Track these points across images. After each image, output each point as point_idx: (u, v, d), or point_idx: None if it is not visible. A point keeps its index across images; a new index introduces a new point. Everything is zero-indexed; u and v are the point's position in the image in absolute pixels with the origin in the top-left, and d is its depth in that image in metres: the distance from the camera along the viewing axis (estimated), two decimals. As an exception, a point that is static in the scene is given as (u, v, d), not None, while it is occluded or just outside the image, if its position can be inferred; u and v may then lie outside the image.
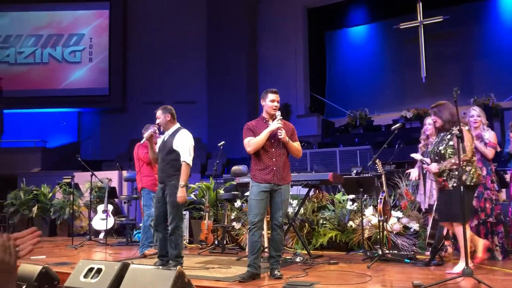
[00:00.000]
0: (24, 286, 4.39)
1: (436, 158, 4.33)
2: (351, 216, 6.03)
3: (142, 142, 5.33)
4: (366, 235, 5.69)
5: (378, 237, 5.40)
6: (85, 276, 4.00)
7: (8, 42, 16.48)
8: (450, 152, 4.24)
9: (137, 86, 16.33)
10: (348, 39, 16.92)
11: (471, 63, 14.48)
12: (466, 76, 14.35)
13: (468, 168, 4.18)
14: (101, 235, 8.26)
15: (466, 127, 4.28)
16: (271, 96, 4.36)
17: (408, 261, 4.88)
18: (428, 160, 4.50)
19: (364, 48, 16.34)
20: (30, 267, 4.58)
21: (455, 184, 4.14)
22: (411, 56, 14.81)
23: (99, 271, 3.99)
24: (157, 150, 5.05)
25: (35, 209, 9.33)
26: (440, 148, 4.31)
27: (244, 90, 15.47)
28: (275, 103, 4.35)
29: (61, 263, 5.27)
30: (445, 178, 4.23)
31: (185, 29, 16.14)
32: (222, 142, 6.48)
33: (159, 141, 5.08)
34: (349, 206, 6.10)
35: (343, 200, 6.27)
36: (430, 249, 4.83)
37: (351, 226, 5.94)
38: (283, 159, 4.32)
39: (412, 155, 4.95)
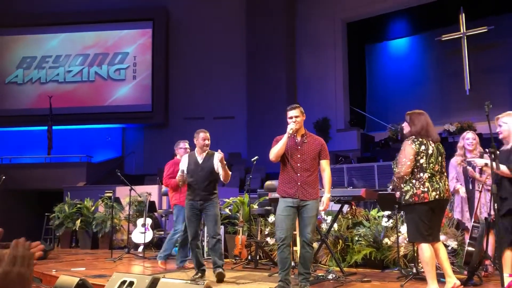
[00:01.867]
0: (62, 297, 4.56)
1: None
2: (387, 233, 5.90)
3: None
4: (401, 253, 5.55)
5: (414, 254, 5.26)
6: (118, 288, 4.10)
7: (58, 62, 17.31)
8: (394, 167, 4.10)
9: (179, 102, 16.71)
10: (388, 52, 16.70)
11: (518, 74, 13.95)
12: (511, 88, 13.83)
13: (402, 186, 3.97)
14: (140, 248, 8.43)
15: (409, 141, 3.93)
16: (289, 114, 4.47)
17: (444, 280, 4.71)
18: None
19: (405, 61, 16.06)
20: (68, 279, 4.74)
21: (403, 203, 3.99)
22: (454, 68, 14.43)
23: (131, 284, 4.09)
24: (183, 169, 5.32)
25: (78, 222, 9.66)
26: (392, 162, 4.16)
27: (284, 104, 15.36)
28: (293, 119, 4.42)
29: (99, 276, 5.42)
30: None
31: (226, 45, 16.44)
32: (256, 157, 6.50)
33: (185, 162, 5.35)
34: (385, 222, 5.97)
35: (379, 217, 6.15)
36: (468, 268, 4.65)
37: (387, 243, 5.81)
38: (309, 174, 4.32)
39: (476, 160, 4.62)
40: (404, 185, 3.94)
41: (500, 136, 4.33)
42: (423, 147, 3.94)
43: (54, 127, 15.63)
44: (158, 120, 16.91)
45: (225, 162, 5.15)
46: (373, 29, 16.25)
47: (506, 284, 4.06)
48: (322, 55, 15.94)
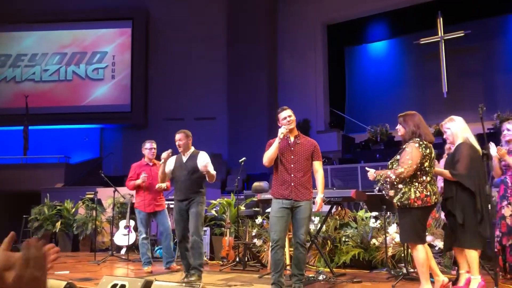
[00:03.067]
0: (49, 302, 4.44)
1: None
2: (374, 233, 5.96)
3: (161, 162, 5.40)
4: (389, 253, 5.62)
5: (403, 255, 5.33)
6: (109, 292, 4.02)
7: (34, 61, 16.93)
8: (393, 167, 4.03)
9: (158, 103, 16.55)
10: (367, 55, 16.91)
11: (494, 77, 14.31)
12: (488, 91, 14.18)
13: (400, 186, 3.92)
14: (123, 251, 8.30)
15: (416, 145, 3.92)
16: (283, 114, 4.47)
17: (433, 280, 4.77)
18: None
19: (384, 64, 16.30)
20: (54, 283, 4.63)
21: (399, 204, 3.95)
22: (432, 71, 14.71)
23: (122, 287, 4.02)
24: (166, 170, 5.39)
25: (58, 224, 9.44)
26: (389, 161, 4.14)
27: (264, 106, 15.53)
28: (287, 119, 4.43)
29: (85, 279, 5.31)
30: (376, 187, 4.19)
31: (206, 45, 16.36)
32: (243, 159, 6.49)
33: (171, 162, 5.38)
34: (372, 223, 6.03)
35: (366, 218, 6.20)
36: (456, 267, 4.72)
37: (374, 244, 5.87)
38: (302, 175, 4.33)
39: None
40: (403, 186, 3.91)
41: (448, 141, 4.49)
42: (428, 151, 3.95)
43: (30, 127, 15.27)
44: (137, 121, 16.70)
45: (209, 170, 5.11)
46: (352, 32, 16.42)
47: (463, 281, 4.22)
48: (303, 57, 16.03)
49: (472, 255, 4.10)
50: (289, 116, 4.43)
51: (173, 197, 5.52)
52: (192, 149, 5.37)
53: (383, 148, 13.60)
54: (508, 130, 4.92)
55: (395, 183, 3.91)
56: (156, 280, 4.04)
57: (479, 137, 4.18)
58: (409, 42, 15.13)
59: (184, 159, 5.31)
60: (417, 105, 15.06)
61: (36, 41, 17.07)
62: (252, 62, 15.62)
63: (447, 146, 5.30)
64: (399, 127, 4.20)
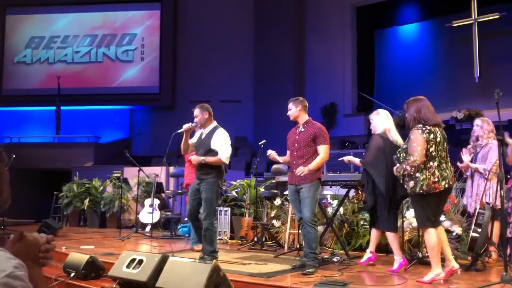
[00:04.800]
0: (73, 274, 4.67)
1: (396, 161, 4.19)
2: (392, 217, 5.94)
3: (179, 131, 5.19)
4: (406, 238, 5.61)
5: (419, 239, 5.32)
6: (128, 266, 4.20)
7: (66, 42, 17.33)
8: (403, 157, 4.02)
9: (186, 85, 16.72)
10: (398, 38, 16.55)
11: (528, 62, 13.82)
12: (522, 76, 13.72)
13: (417, 175, 3.91)
14: (148, 228, 8.55)
15: (419, 131, 3.92)
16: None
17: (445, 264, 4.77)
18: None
19: (415, 47, 15.93)
20: (78, 256, 4.87)
21: (409, 191, 4.00)
22: (463, 55, 14.31)
23: (140, 262, 4.19)
24: (190, 142, 5.18)
25: (86, 201, 9.78)
26: (398, 150, 4.15)
27: (291, 89, 15.48)
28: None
29: (108, 254, 5.52)
30: (401, 183, 4.14)
31: (233, 28, 16.37)
32: (263, 141, 6.55)
33: (196, 136, 5.23)
34: (390, 207, 6.02)
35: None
36: (472, 253, 4.71)
37: (392, 228, 5.86)
38: (303, 161, 4.54)
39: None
40: (420, 174, 3.91)
41: (372, 132, 4.92)
42: (432, 136, 3.94)
43: (62, 107, 15.72)
44: (165, 102, 16.95)
45: (205, 161, 4.84)
46: (382, 14, 16.09)
47: (365, 258, 4.80)
48: (331, 39, 15.84)
49: (390, 237, 4.63)
50: (289, 110, 4.75)
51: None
52: (213, 124, 5.10)
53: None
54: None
55: (412, 173, 3.92)
56: (172, 256, 4.20)
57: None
58: (441, 25, 14.73)
59: (203, 135, 5.09)
60: (447, 89, 14.74)
61: (68, 23, 17.45)
62: (280, 45, 15.55)
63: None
64: (405, 115, 4.23)
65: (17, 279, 1.06)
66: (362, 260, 4.91)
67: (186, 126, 5.05)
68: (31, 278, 1.12)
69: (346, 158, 5.02)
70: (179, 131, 5.12)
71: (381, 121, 4.83)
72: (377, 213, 4.78)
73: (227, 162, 4.96)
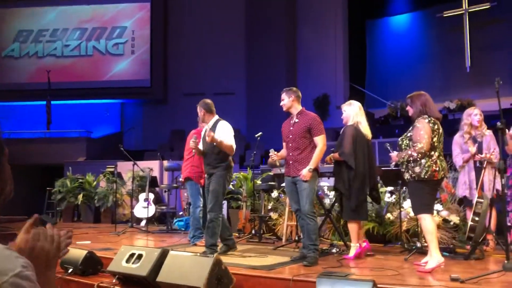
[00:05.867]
0: (71, 270, 4.62)
1: (397, 148, 4.37)
2: (389, 208, 5.97)
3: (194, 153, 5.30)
4: (404, 228, 5.63)
5: (417, 229, 5.34)
6: (127, 261, 4.16)
7: (55, 36, 17.11)
8: (406, 144, 4.23)
9: (178, 78, 16.62)
10: (389, 28, 16.58)
11: (519, 51, 13.90)
12: (512, 65, 13.80)
13: (423, 161, 4.08)
14: (143, 223, 8.51)
15: (426, 120, 4.13)
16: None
17: (447, 254, 4.80)
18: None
19: (406, 37, 15.97)
20: (76, 252, 4.81)
21: (409, 177, 4.17)
22: (455, 45, 14.36)
23: (140, 256, 4.15)
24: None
25: (80, 197, 9.70)
26: (399, 138, 4.34)
27: (284, 81, 15.44)
28: (281, 103, 4.75)
29: (105, 249, 5.47)
30: (403, 169, 4.26)
31: (225, 20, 16.27)
32: (260, 134, 6.52)
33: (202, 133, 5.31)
34: (387, 198, 6.04)
35: (381, 192, 6.20)
36: (470, 242, 4.73)
37: (389, 218, 5.89)
38: (299, 153, 4.56)
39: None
40: (425, 160, 4.09)
41: (343, 122, 4.98)
42: (436, 127, 4.15)
43: (52, 102, 15.54)
44: (157, 96, 16.84)
45: (218, 140, 4.88)
46: (374, 5, 16.09)
47: (353, 253, 4.75)
48: (323, 30, 15.81)
49: (350, 225, 4.82)
50: (282, 100, 4.74)
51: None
52: (215, 118, 5.19)
53: (402, 123, 13.44)
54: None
55: (418, 159, 4.08)
56: (172, 250, 4.17)
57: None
58: (432, 15, 14.76)
59: (207, 130, 5.15)
60: (439, 79, 14.80)
61: (57, 17, 17.22)
62: (271, 36, 15.49)
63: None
64: (408, 108, 4.41)
65: (25, 279, 1.04)
66: (350, 255, 4.75)
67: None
68: (42, 284, 1.10)
69: (328, 158, 4.95)
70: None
71: (354, 112, 4.91)
72: (342, 203, 4.93)
73: (233, 151, 5.05)
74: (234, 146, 5.07)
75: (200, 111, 5.23)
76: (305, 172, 4.44)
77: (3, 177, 1.23)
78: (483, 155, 4.99)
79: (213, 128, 5.07)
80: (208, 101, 5.27)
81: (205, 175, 5.19)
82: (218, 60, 16.15)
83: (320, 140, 4.56)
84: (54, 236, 1.26)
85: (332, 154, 4.90)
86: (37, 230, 1.24)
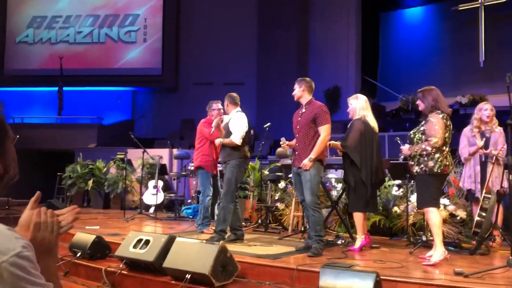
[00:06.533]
0: (79, 254, 4.71)
1: (408, 142, 4.41)
2: (396, 201, 5.97)
3: (212, 130, 5.53)
4: (410, 221, 5.64)
5: (423, 223, 5.35)
6: (134, 246, 4.23)
7: (68, 22, 17.18)
8: (418, 138, 4.27)
9: (189, 67, 16.63)
10: (403, 21, 16.40)
11: (535, 47, 13.70)
12: (527, 61, 13.61)
13: (436, 155, 4.14)
14: (151, 210, 8.59)
15: (440, 115, 4.19)
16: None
17: (452, 248, 4.81)
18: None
19: (420, 31, 15.79)
20: (84, 236, 4.90)
21: (418, 170, 4.20)
22: (469, 40, 14.17)
23: (147, 242, 4.22)
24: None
25: (90, 182, 9.81)
26: (411, 132, 4.37)
27: (294, 72, 15.38)
28: (293, 92, 4.86)
29: (113, 234, 5.56)
30: (413, 163, 4.29)
31: (237, 11, 16.21)
32: (268, 124, 6.54)
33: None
34: (395, 191, 6.04)
35: (389, 185, 6.20)
36: (476, 238, 4.73)
37: (396, 211, 5.89)
38: (304, 143, 4.59)
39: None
40: (439, 155, 4.15)
41: (350, 115, 5.02)
42: (448, 122, 4.22)
43: (64, 88, 15.64)
44: (168, 84, 16.87)
45: (217, 143, 5.34)
46: (388, -3, 15.93)
47: (358, 244, 4.76)
48: (335, 22, 15.68)
49: (356, 217, 4.83)
50: (294, 90, 4.81)
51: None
52: (235, 110, 5.42)
53: (413, 117, 13.36)
54: (490, 110, 5.13)
55: (432, 153, 4.13)
56: (179, 237, 4.22)
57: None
58: (447, 9, 14.54)
59: (227, 120, 5.45)
60: (451, 74, 14.66)
61: (70, 3, 17.26)
62: (283, 26, 15.41)
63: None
64: (418, 102, 4.43)
65: (25, 259, 1.06)
66: (355, 246, 4.79)
67: (217, 121, 5.44)
68: (43, 271, 1.12)
69: (330, 143, 4.94)
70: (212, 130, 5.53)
71: (361, 105, 4.93)
72: (349, 195, 4.98)
73: (238, 143, 5.16)
74: (239, 136, 5.16)
75: (225, 103, 5.51)
76: (306, 162, 4.46)
77: (7, 160, 1.24)
78: (487, 151, 4.98)
79: (228, 124, 5.35)
80: (234, 94, 5.55)
81: (222, 163, 5.43)
82: (229, 50, 16.13)
83: (324, 130, 4.55)
84: (54, 226, 1.28)
85: (333, 141, 4.95)
86: (38, 219, 1.25)
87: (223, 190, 5.17)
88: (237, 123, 5.21)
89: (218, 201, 5.46)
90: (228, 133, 5.24)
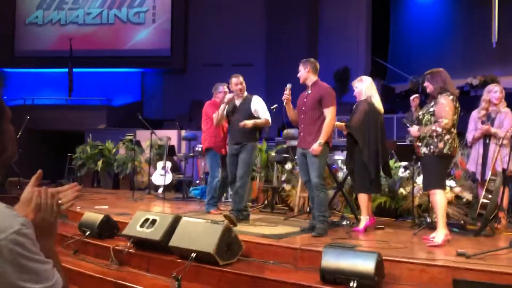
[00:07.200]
0: (88, 232, 4.81)
1: (416, 123, 4.41)
2: (402, 183, 5.98)
3: (223, 107, 5.47)
4: (416, 203, 5.64)
5: (428, 205, 5.36)
6: (141, 225, 4.31)
7: (77, 4, 17.16)
8: (427, 119, 4.26)
9: (197, 48, 16.57)
10: (414, 1, 16.16)
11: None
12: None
13: (446, 137, 4.15)
14: (160, 190, 8.69)
15: (451, 97, 4.18)
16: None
17: (457, 230, 4.82)
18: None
19: (431, 10, 15.56)
20: (93, 215, 4.99)
21: (426, 152, 4.20)
22: (481, 20, 13.92)
23: (154, 221, 4.29)
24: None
25: (100, 163, 9.92)
26: (420, 113, 4.35)
27: (304, 53, 15.24)
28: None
29: (121, 214, 5.65)
30: (420, 144, 4.28)
31: (246, -10, 16.06)
32: (275, 106, 6.53)
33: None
34: (401, 173, 6.04)
35: (395, 167, 6.20)
36: (481, 219, 4.73)
37: (402, 193, 5.90)
38: (310, 124, 4.58)
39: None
40: (449, 136, 4.17)
41: (357, 99, 5.00)
42: (457, 105, 4.23)
43: (74, 69, 15.72)
44: (177, 66, 16.86)
45: (252, 123, 5.18)
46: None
47: (363, 225, 4.77)
48: (346, 2, 15.49)
49: (361, 198, 4.84)
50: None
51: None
52: (246, 93, 5.45)
53: (423, 99, 13.22)
54: (498, 92, 5.08)
55: (443, 134, 4.14)
56: (185, 217, 4.29)
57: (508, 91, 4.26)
58: (460, -12, 14.33)
59: (237, 102, 5.40)
60: (463, 55, 14.46)
61: (79, -17, 17.23)
62: (292, 7, 15.25)
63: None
64: (426, 83, 4.41)
65: (24, 236, 1.08)
66: (360, 227, 4.79)
67: (230, 96, 5.41)
68: (42, 250, 1.15)
69: (337, 123, 4.98)
70: (226, 99, 5.40)
71: (366, 87, 4.93)
72: (353, 177, 5.00)
73: (270, 122, 5.37)
74: (270, 118, 5.35)
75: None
76: (316, 147, 4.45)
77: (4, 140, 1.26)
78: (493, 131, 4.97)
79: (248, 102, 5.33)
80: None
81: (233, 144, 5.34)
82: (238, 31, 16.02)
83: (329, 112, 4.54)
84: (54, 207, 1.30)
85: (338, 122, 4.96)
86: (38, 200, 1.27)
87: (241, 171, 5.18)
88: (262, 103, 5.33)
89: (231, 181, 5.41)
90: (248, 114, 5.23)
